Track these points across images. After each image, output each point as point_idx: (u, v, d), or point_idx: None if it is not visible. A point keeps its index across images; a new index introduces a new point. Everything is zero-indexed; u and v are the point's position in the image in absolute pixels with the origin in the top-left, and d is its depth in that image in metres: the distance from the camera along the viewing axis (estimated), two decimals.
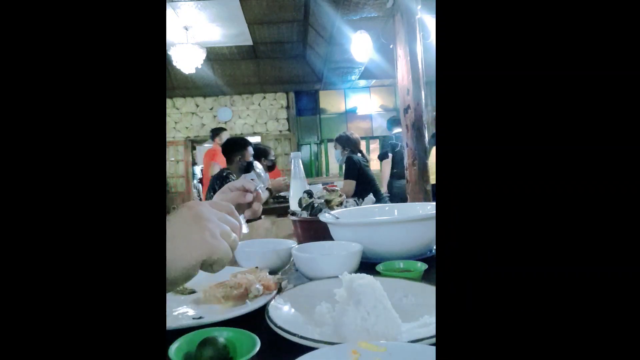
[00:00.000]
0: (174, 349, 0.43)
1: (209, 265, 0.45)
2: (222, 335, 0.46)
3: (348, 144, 3.24)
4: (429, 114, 5.01)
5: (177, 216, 0.45)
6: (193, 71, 5.01)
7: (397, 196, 3.80)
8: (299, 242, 0.95)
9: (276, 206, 3.05)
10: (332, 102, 7.04)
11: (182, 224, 0.44)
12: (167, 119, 6.56)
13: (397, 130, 4.00)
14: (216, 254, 0.44)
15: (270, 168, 3.24)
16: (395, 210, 1.14)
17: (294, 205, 1.26)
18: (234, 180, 2.77)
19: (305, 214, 1.11)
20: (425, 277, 0.72)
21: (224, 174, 2.65)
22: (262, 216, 2.88)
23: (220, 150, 3.11)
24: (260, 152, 3.14)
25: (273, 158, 3.30)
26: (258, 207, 0.71)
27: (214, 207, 0.48)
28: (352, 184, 2.97)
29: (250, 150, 2.85)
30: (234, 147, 2.82)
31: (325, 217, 0.95)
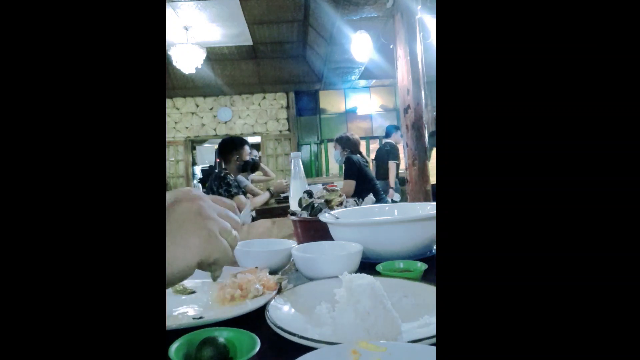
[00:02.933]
0: (174, 349, 0.43)
1: (207, 265, 0.44)
2: (222, 335, 0.46)
3: (348, 144, 3.24)
4: (429, 114, 5.02)
5: (176, 212, 0.43)
6: (193, 71, 5.01)
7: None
8: (299, 242, 0.95)
9: (276, 206, 3.06)
10: (332, 102, 7.04)
11: (182, 221, 0.43)
12: (167, 119, 6.57)
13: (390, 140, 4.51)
14: (215, 254, 0.43)
15: (252, 167, 3.23)
16: (395, 210, 1.14)
17: (294, 205, 1.26)
18: (231, 180, 2.76)
19: (305, 214, 1.11)
20: (425, 277, 0.72)
21: (222, 174, 2.65)
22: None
23: None
24: None
25: (256, 157, 3.29)
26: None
27: (216, 201, 0.47)
28: (351, 184, 2.97)
29: (247, 149, 2.84)
30: (231, 146, 2.82)
31: (325, 217, 0.95)
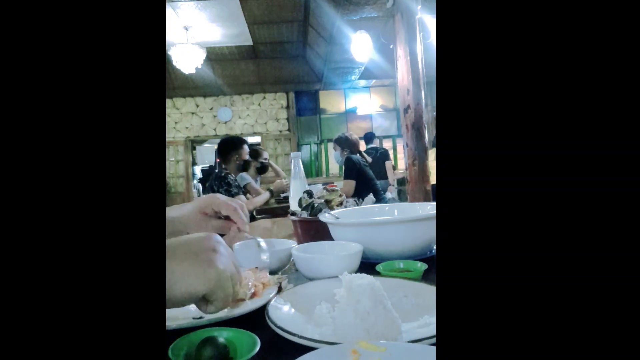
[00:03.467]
0: (174, 349, 0.43)
1: (205, 302, 0.45)
2: (222, 335, 0.46)
3: (347, 144, 3.24)
4: (429, 114, 5.06)
5: (199, 237, 0.46)
6: (193, 71, 5.01)
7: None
8: (299, 242, 0.95)
9: (276, 206, 3.06)
10: (332, 102, 7.04)
11: (202, 248, 0.45)
12: (167, 119, 6.57)
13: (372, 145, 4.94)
14: (219, 294, 0.44)
15: (260, 170, 3.23)
16: (395, 210, 1.14)
17: (294, 205, 1.26)
18: (232, 179, 2.76)
19: (305, 214, 1.11)
20: (425, 277, 0.72)
21: (222, 174, 2.65)
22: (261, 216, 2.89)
23: None
24: (253, 153, 3.14)
25: (265, 160, 3.29)
26: (235, 233, 0.74)
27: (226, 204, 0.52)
28: (351, 184, 2.97)
29: (246, 148, 2.84)
30: (230, 146, 2.82)
31: (325, 217, 0.95)
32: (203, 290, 0.43)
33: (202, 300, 0.45)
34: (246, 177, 2.95)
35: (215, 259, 0.45)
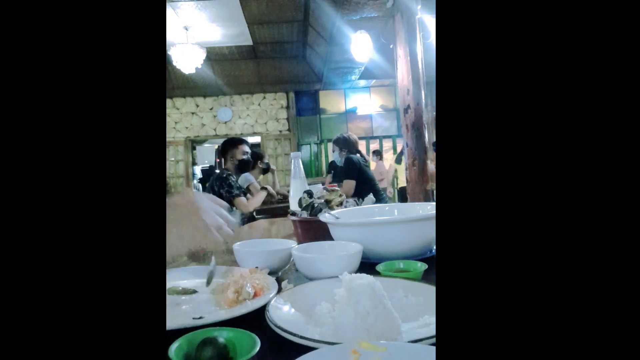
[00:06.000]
0: (174, 349, 0.43)
1: (200, 256, 0.46)
2: (222, 335, 0.46)
3: (346, 144, 3.24)
4: (429, 114, 5.07)
5: (175, 206, 0.45)
6: (193, 71, 5.01)
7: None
8: (299, 242, 0.95)
9: (276, 206, 3.06)
10: (332, 102, 7.04)
11: (178, 214, 0.44)
12: (167, 119, 6.57)
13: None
14: (205, 245, 0.45)
15: (264, 171, 3.26)
16: (395, 210, 1.14)
17: (294, 205, 1.26)
18: (233, 180, 2.75)
19: (305, 214, 1.11)
20: (425, 277, 0.72)
21: (224, 175, 2.65)
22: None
23: None
24: (254, 156, 3.15)
25: (267, 162, 3.32)
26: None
27: (211, 200, 0.49)
28: (352, 184, 2.97)
29: (241, 148, 2.86)
30: (227, 147, 2.86)
31: (325, 217, 0.95)
32: (187, 249, 0.44)
33: (194, 256, 0.46)
34: (250, 178, 2.96)
35: (195, 216, 0.44)
